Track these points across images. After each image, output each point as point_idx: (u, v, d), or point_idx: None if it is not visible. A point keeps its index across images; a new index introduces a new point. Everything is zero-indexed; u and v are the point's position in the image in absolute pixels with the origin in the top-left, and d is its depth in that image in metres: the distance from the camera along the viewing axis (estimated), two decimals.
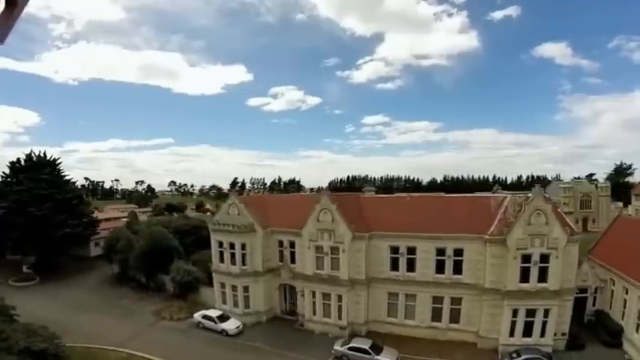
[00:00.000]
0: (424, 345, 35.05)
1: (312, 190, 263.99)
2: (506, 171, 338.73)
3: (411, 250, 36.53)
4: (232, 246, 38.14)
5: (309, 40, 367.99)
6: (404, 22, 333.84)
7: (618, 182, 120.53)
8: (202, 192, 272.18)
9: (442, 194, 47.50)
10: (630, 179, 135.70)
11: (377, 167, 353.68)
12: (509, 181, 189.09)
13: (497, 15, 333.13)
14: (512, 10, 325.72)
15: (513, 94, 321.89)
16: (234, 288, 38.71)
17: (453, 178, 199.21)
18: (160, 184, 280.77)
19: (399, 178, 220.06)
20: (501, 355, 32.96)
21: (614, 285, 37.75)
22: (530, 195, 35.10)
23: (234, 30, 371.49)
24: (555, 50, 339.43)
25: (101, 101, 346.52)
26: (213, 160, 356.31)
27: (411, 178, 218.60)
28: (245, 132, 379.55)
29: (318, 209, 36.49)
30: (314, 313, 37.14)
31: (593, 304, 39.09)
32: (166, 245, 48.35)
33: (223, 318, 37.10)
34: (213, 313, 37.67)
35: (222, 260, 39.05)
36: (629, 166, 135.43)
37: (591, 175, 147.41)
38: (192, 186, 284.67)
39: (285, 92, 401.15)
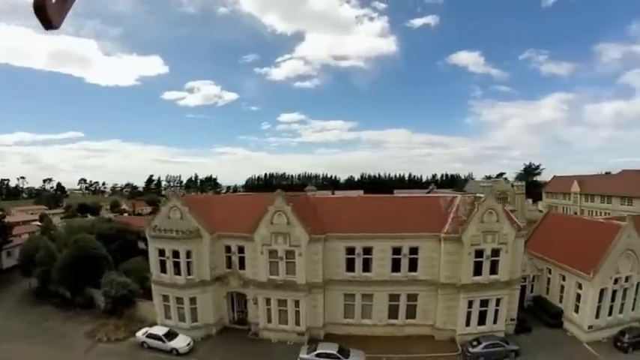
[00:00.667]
0: (383, 343, 34.82)
1: (229, 188, 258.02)
2: (417, 169, 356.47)
3: (367, 250, 36.03)
4: (176, 254, 34.39)
5: (229, 34, 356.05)
6: (326, 23, 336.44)
7: (527, 181, 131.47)
8: (115, 190, 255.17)
9: (396, 195, 47.72)
10: (538, 178, 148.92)
11: (293, 165, 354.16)
12: (424, 179, 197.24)
13: (417, 22, 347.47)
14: (431, 19, 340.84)
15: (427, 97, 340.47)
16: (179, 300, 34.90)
17: (370, 176, 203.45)
18: (70, 182, 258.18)
19: (316, 176, 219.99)
20: (460, 345, 34.28)
21: (550, 273, 40.91)
22: (480, 195, 37.38)
23: (153, 19, 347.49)
24: (469, 59, 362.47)
25: (7, 89, 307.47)
26: (126, 157, 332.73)
27: (329, 175, 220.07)
28: (159, 127, 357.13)
29: (271, 211, 34.27)
30: (269, 320, 35.04)
31: (531, 291, 42.13)
32: (94, 255, 43.13)
33: (171, 335, 33.27)
34: (159, 330, 33.62)
35: (164, 270, 35.12)
36: (537, 167, 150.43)
37: (501, 174, 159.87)
38: (103, 184, 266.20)
39: (202, 87, 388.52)
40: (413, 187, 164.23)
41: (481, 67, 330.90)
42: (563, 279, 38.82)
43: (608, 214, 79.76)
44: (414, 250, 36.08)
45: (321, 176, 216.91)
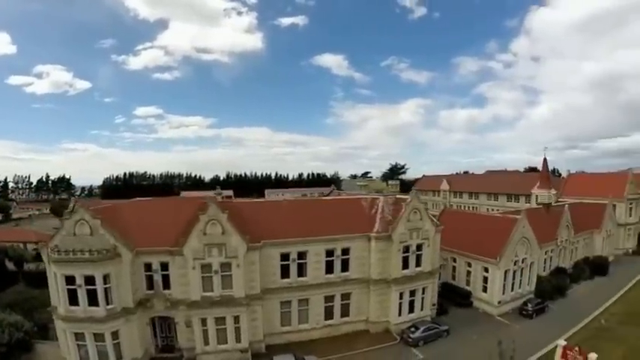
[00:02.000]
0: (324, 344, 35.10)
1: (83, 190, 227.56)
2: (278, 168, 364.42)
3: (302, 255, 35.60)
4: (90, 281, 28.31)
5: (87, 14, 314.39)
6: (192, 12, 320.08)
7: (392, 179, 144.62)
8: None
9: (320, 198, 47.58)
10: (403, 177, 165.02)
11: (148, 163, 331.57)
12: (290, 178, 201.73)
13: (286, 21, 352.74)
14: (300, 19, 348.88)
15: (290, 96, 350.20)
16: (98, 337, 28.16)
17: (236, 175, 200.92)
18: None
19: (179, 176, 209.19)
20: (396, 333, 36.67)
21: (455, 262, 46.20)
22: (406, 196, 40.50)
23: None
24: (333, 61, 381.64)
25: None
26: None
27: (193, 175, 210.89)
28: (2, 118, 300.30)
29: (204, 220, 30.88)
30: (206, 343, 31.52)
31: (439, 279, 45.71)
32: None
33: None
34: None
35: (74, 302, 28.41)
36: (403, 166, 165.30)
37: (366, 173, 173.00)
38: None
39: (52, 72, 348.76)
40: (282, 186, 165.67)
41: (344, 70, 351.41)
42: (469, 265, 44.37)
43: (476, 208, 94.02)
44: (345, 251, 36.90)
45: (184, 176, 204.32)
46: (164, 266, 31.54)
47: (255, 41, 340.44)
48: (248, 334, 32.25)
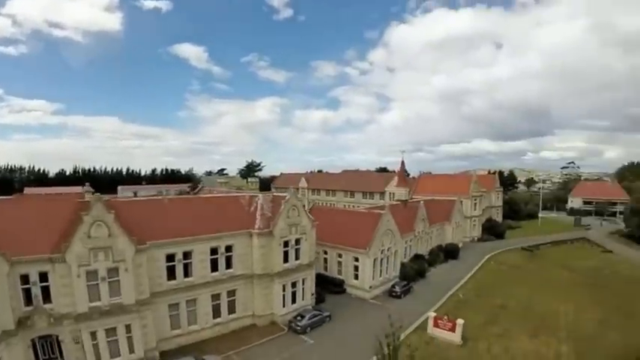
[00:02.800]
0: (215, 343, 36.64)
1: None
2: (126, 162, 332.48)
3: (187, 255, 36.84)
4: None
5: None
6: None
7: (248, 176, 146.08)
8: None
9: (197, 196, 47.33)
10: (260, 174, 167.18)
11: None
12: (143, 173, 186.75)
13: (149, 4, 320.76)
14: (163, 4, 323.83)
15: (143, 85, 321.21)
16: None
17: (85, 169, 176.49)
18: None
19: (21, 169, 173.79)
20: (282, 324, 40.16)
21: (326, 254, 52.51)
22: (280, 195, 44.43)
23: None
24: (193, 52, 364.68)
25: None
26: None
27: (35, 168, 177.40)
28: None
29: (88, 222, 29.61)
30: (98, 358, 29.45)
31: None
32: None
33: None
34: None
35: None
36: (259, 164, 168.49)
37: (222, 169, 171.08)
38: None
39: None
40: (136, 182, 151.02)
41: (204, 62, 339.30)
42: (340, 256, 51.03)
43: (334, 205, 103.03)
44: (229, 248, 39.45)
45: (26, 169, 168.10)
46: (43, 277, 28.89)
47: (113, 22, 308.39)
48: (142, 343, 31.30)
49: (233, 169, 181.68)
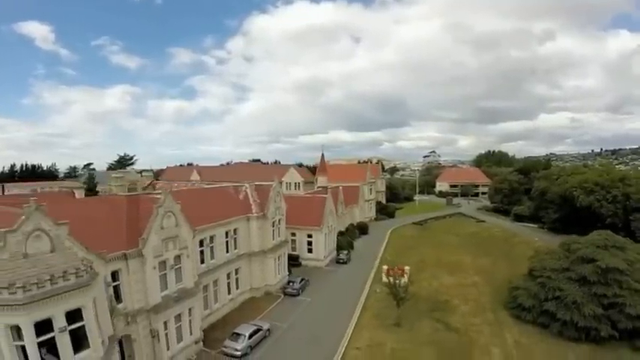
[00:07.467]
0: (235, 317, 39.20)
1: None
2: None
3: (211, 239, 38.83)
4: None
5: None
6: None
7: (120, 169, 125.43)
8: None
9: (205, 187, 47.56)
10: (135, 167, 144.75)
11: None
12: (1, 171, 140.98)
13: None
14: None
15: None
16: None
17: None
18: None
19: None
20: (276, 292, 45.64)
21: None
22: (270, 183, 48.45)
23: None
24: (39, 31, 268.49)
25: None
26: None
27: None
28: None
29: (161, 213, 28.72)
30: (167, 348, 29.61)
31: None
32: None
33: None
34: None
35: None
36: (132, 157, 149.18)
37: (89, 164, 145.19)
38: None
39: None
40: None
41: (50, 44, 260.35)
42: (294, 235, 57.53)
43: None
44: (235, 231, 42.51)
45: None
46: (114, 275, 26.68)
47: None
48: (199, 323, 32.30)
49: (101, 164, 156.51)
